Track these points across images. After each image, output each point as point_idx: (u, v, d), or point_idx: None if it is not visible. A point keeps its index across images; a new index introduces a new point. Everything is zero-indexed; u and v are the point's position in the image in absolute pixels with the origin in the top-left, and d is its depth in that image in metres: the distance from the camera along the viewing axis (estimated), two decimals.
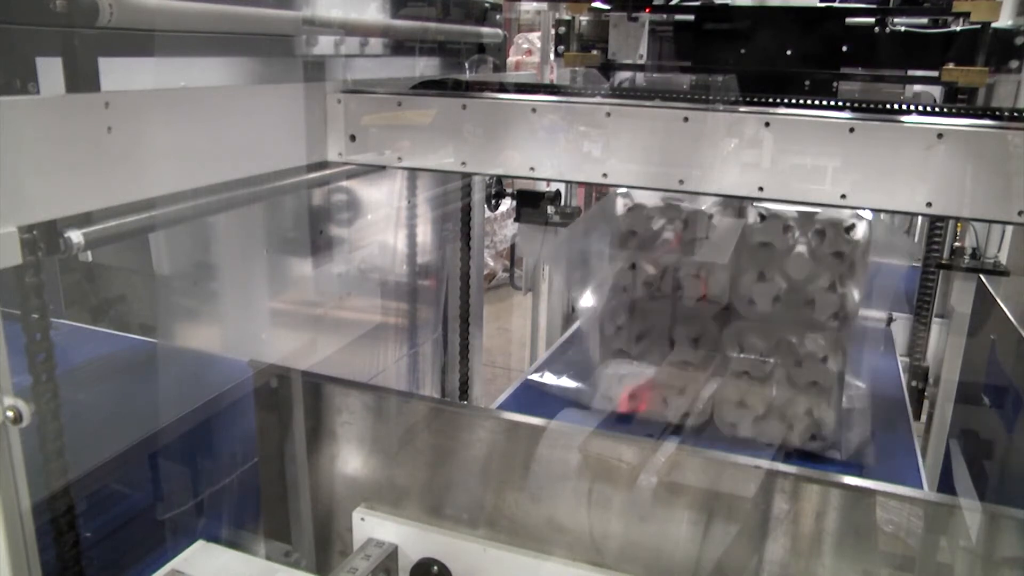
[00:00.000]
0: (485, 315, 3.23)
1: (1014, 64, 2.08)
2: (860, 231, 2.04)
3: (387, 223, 2.83)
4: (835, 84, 2.32)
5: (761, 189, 1.40)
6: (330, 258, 2.62)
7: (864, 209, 2.00)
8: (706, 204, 2.27)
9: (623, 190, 2.29)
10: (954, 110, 1.38)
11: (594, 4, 2.77)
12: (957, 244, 3.03)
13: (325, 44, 2.00)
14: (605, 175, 1.51)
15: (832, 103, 1.48)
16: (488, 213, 3.17)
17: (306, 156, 1.68)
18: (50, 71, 1.24)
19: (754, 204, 2.18)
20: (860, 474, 1.90)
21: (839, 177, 1.35)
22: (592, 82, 2.75)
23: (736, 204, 2.26)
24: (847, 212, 2.07)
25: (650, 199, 2.30)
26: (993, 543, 1.31)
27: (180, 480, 1.88)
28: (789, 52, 2.28)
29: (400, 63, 2.40)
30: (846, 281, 2.08)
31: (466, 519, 1.59)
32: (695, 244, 2.25)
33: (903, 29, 2.24)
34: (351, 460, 1.72)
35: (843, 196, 1.35)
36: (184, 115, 1.36)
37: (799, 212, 2.12)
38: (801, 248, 2.09)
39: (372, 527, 1.62)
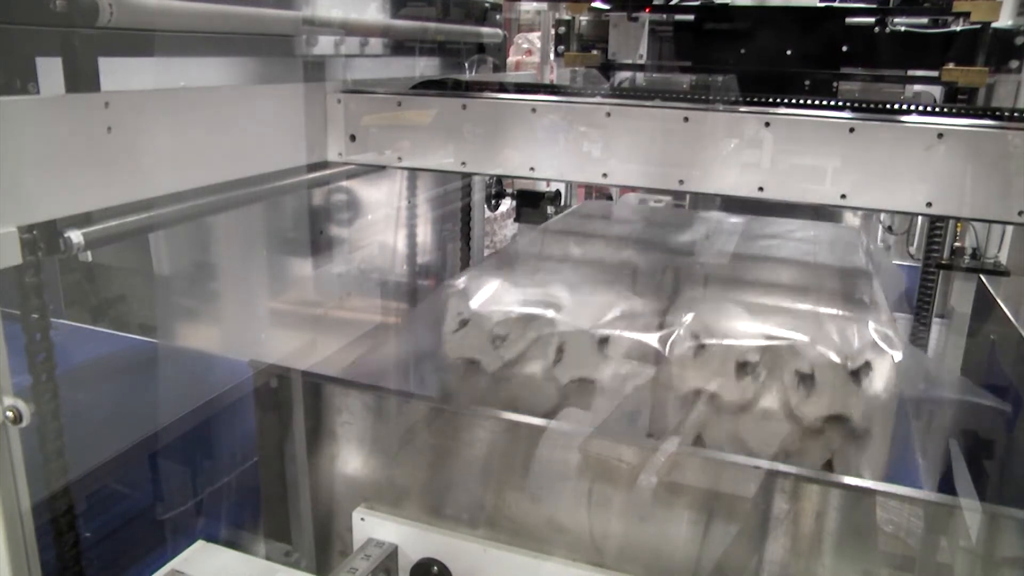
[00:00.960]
0: None
1: (1014, 64, 2.08)
2: (879, 378, 1.24)
3: (387, 223, 2.83)
4: (835, 84, 2.32)
5: (761, 189, 1.40)
6: (330, 258, 2.62)
7: (893, 348, 1.31)
8: (592, 318, 1.42)
9: (460, 284, 1.59)
10: (954, 110, 1.38)
11: (594, 4, 2.77)
12: (957, 244, 3.03)
13: (325, 44, 2.00)
14: (605, 175, 1.51)
15: (832, 103, 1.48)
16: (488, 213, 3.17)
17: (306, 156, 1.68)
18: (50, 71, 1.24)
19: (686, 323, 1.37)
20: None
21: (839, 177, 1.35)
22: (592, 82, 2.75)
23: (649, 319, 1.43)
24: (856, 343, 1.29)
25: (503, 302, 1.49)
26: (993, 543, 1.31)
27: (180, 480, 1.88)
28: (789, 52, 2.29)
29: (400, 63, 2.40)
30: (851, 465, 1.36)
31: (466, 519, 1.59)
32: (575, 387, 1.42)
33: (903, 29, 2.24)
34: (351, 460, 1.72)
35: (843, 196, 1.35)
36: (184, 115, 1.36)
37: (768, 338, 1.29)
38: (770, 402, 1.34)
39: (372, 527, 1.61)
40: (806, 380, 1.30)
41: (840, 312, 1.44)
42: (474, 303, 1.50)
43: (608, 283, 1.60)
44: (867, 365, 1.27)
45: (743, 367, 1.32)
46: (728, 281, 1.60)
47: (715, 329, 1.33)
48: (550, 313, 1.45)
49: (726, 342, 1.31)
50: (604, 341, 1.40)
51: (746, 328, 1.34)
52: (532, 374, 1.47)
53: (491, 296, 1.51)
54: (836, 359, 1.28)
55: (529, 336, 1.44)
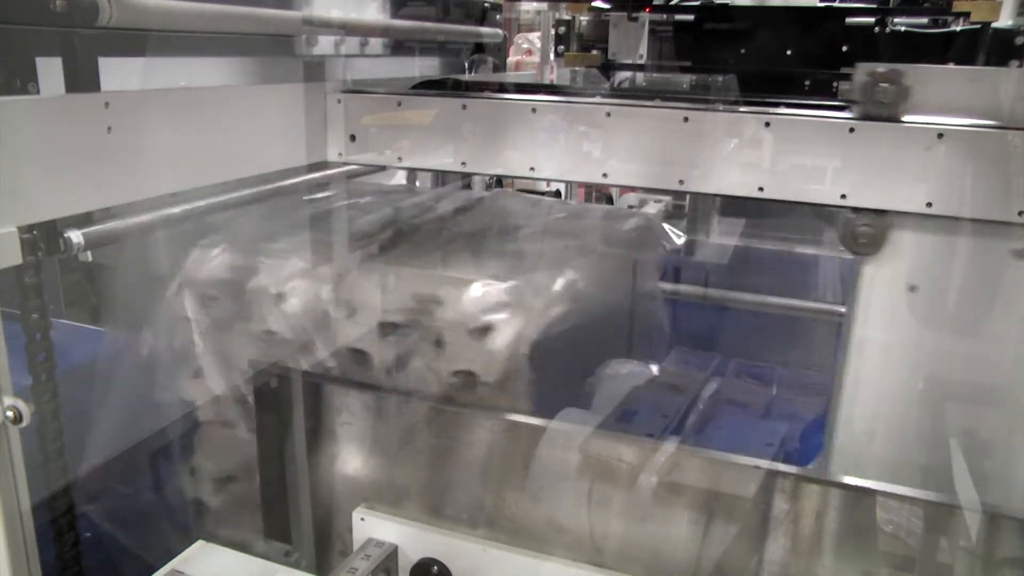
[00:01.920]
0: None
1: (1014, 64, 2.08)
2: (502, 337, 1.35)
3: None
4: (835, 84, 2.32)
5: (761, 189, 1.40)
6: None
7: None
8: (275, 279, 1.58)
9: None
10: None
11: (594, 4, 2.77)
12: None
13: (325, 44, 2.00)
14: (605, 175, 1.51)
15: (832, 103, 1.47)
16: None
17: (306, 156, 1.68)
18: (50, 71, 1.24)
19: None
20: None
21: (839, 177, 1.35)
22: (592, 82, 2.76)
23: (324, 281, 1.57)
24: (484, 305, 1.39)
25: (213, 266, 1.67)
26: (993, 543, 1.31)
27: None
28: (789, 52, 2.29)
29: (400, 63, 2.40)
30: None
31: (466, 519, 1.59)
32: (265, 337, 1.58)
33: (903, 29, 2.24)
34: (351, 460, 1.72)
35: (843, 196, 1.35)
36: (184, 115, 1.36)
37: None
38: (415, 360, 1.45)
39: (372, 527, 1.61)
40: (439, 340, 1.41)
41: (478, 277, 1.56)
42: (191, 267, 1.64)
43: (306, 247, 1.74)
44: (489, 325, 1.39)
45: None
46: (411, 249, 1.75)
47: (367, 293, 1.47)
48: (246, 274, 1.62)
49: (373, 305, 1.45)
50: (280, 297, 1.56)
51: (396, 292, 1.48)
52: (239, 330, 1.63)
53: (208, 261, 1.65)
54: (462, 320, 1.41)
55: (234, 295, 1.60)
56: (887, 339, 1.42)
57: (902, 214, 1.35)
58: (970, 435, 1.40)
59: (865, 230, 1.35)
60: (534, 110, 1.54)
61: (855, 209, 1.36)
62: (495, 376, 1.41)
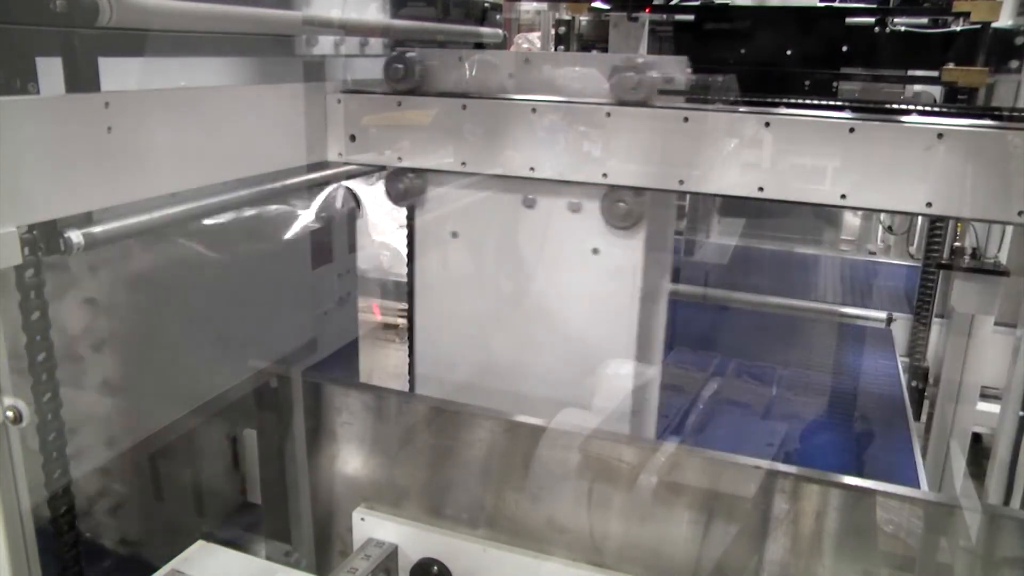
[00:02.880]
0: None
1: (1014, 64, 2.08)
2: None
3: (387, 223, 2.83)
4: (835, 84, 2.32)
5: (761, 189, 1.40)
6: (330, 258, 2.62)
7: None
8: None
9: None
10: (954, 110, 1.38)
11: (594, 4, 2.77)
12: (957, 244, 3.03)
13: (325, 44, 1.99)
14: (605, 175, 1.51)
15: (832, 103, 1.48)
16: None
17: (306, 156, 1.68)
18: (50, 71, 1.23)
19: None
20: None
21: (839, 177, 1.35)
22: None
23: None
24: None
25: None
26: (993, 543, 1.31)
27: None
28: (789, 52, 2.29)
29: None
30: None
31: (466, 519, 1.59)
32: None
33: (903, 29, 2.24)
34: (351, 460, 1.72)
35: (843, 196, 1.35)
36: (184, 115, 1.36)
37: None
38: None
39: (372, 527, 1.61)
40: None
41: None
42: None
43: None
44: None
45: None
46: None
47: None
48: None
49: None
50: None
51: None
52: None
53: None
54: None
55: None
56: (442, 277, 1.75)
57: (437, 172, 1.67)
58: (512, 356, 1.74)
59: (401, 186, 1.68)
60: (534, 110, 1.54)
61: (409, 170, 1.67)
62: None
